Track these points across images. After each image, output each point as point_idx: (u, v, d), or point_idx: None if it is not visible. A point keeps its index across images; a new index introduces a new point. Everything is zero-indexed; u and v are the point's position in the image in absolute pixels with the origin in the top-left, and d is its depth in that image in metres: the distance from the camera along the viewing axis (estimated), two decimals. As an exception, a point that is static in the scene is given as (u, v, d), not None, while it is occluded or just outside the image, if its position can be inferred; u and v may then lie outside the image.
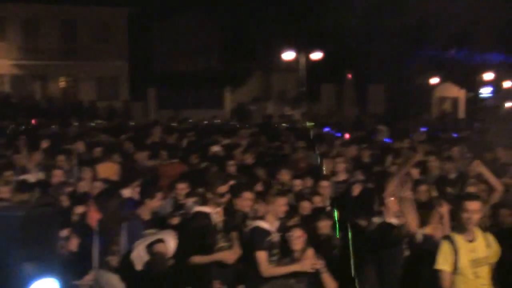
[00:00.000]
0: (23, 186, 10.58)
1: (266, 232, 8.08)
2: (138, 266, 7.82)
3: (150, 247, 7.88)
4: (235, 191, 8.83)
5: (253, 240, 8.06)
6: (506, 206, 9.57)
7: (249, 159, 14.25)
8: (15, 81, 42.60)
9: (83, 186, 10.97)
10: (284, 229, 8.22)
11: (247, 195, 8.81)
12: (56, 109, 32.73)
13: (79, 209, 9.23)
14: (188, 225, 8.39)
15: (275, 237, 8.13)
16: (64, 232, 8.69)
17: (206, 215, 8.29)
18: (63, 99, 41.01)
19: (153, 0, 41.50)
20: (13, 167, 12.33)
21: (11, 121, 22.45)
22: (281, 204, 8.24)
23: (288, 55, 40.16)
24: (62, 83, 44.56)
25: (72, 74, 44.21)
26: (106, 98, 39.74)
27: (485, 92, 47.24)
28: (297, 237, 8.02)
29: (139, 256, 7.85)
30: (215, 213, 8.32)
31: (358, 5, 37.56)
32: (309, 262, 7.84)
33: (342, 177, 12.18)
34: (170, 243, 8.01)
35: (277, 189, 9.11)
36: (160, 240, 7.97)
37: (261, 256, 7.92)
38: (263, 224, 8.15)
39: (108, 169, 12.79)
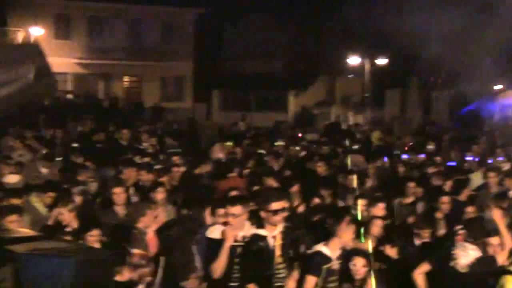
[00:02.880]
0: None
1: (327, 259, 7.67)
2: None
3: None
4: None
5: (310, 264, 7.68)
6: None
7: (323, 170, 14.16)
8: (78, 80, 42.91)
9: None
10: (346, 256, 7.85)
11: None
12: (118, 109, 32.86)
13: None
14: (246, 250, 7.77)
15: (335, 264, 7.71)
16: None
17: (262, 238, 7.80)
18: (126, 99, 41.27)
19: (219, 1, 41.45)
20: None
21: (73, 121, 22.35)
22: (351, 233, 7.78)
23: (353, 60, 40.02)
24: (125, 83, 44.91)
25: (136, 74, 44.50)
26: (169, 99, 39.83)
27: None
28: (360, 267, 7.84)
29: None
30: (271, 236, 7.79)
31: (424, 9, 37.06)
32: None
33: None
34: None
35: (351, 216, 8.21)
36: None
37: (310, 281, 7.57)
38: (325, 250, 7.70)
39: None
